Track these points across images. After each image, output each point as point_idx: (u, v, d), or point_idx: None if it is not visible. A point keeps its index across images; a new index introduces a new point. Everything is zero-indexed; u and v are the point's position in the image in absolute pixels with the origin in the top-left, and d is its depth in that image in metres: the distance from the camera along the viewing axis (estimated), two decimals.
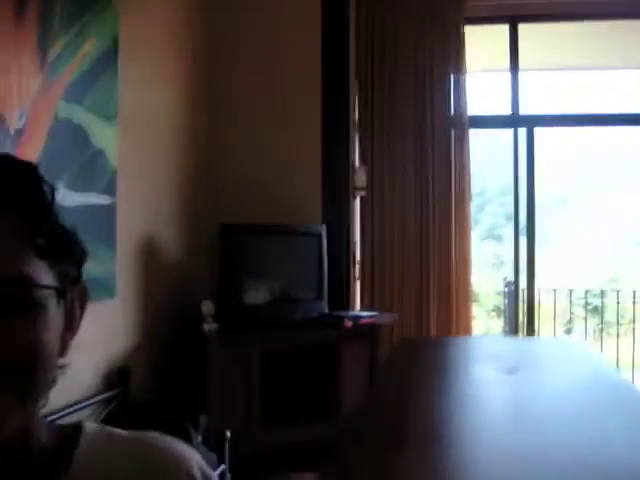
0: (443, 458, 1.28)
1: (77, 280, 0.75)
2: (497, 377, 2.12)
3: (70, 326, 0.75)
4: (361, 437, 1.30)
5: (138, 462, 0.76)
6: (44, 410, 0.73)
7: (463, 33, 4.65)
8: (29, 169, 0.71)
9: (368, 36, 4.61)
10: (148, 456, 0.78)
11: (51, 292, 0.69)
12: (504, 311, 5.94)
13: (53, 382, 0.72)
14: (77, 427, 0.77)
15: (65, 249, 0.73)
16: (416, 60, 4.62)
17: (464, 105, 4.67)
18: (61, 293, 0.71)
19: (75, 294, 0.76)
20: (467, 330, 4.65)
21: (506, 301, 5.76)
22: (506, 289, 5.65)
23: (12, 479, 0.70)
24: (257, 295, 3.84)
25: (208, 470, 0.82)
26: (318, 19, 4.30)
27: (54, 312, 0.70)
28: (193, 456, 0.81)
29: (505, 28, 4.86)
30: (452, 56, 4.65)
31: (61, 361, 0.73)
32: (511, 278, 5.24)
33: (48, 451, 0.74)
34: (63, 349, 0.74)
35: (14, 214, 0.68)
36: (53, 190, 0.73)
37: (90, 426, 0.78)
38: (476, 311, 4.94)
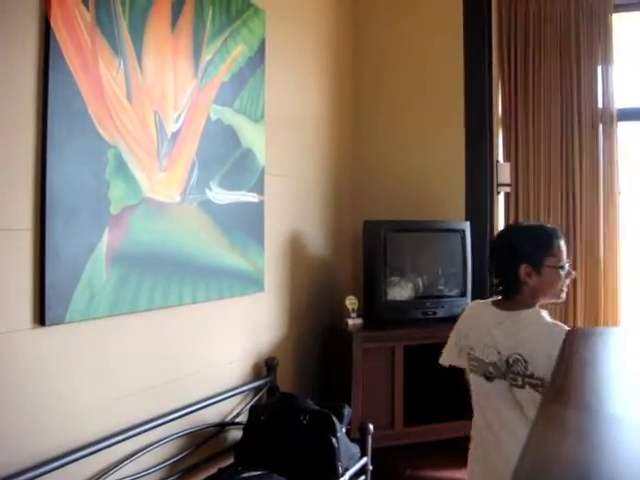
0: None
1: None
2: None
3: None
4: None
5: None
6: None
7: (611, 20, 4.47)
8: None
9: (511, 28, 4.51)
10: None
11: None
12: None
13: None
14: None
15: None
16: (561, 52, 4.48)
17: (612, 97, 4.49)
18: None
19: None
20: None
21: None
22: None
23: None
24: (400, 291, 3.88)
25: None
26: (460, 15, 4.29)
27: None
28: None
29: None
30: (600, 45, 4.47)
31: None
32: None
33: None
34: None
35: None
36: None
37: None
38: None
